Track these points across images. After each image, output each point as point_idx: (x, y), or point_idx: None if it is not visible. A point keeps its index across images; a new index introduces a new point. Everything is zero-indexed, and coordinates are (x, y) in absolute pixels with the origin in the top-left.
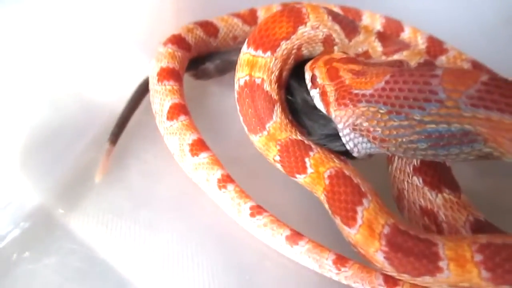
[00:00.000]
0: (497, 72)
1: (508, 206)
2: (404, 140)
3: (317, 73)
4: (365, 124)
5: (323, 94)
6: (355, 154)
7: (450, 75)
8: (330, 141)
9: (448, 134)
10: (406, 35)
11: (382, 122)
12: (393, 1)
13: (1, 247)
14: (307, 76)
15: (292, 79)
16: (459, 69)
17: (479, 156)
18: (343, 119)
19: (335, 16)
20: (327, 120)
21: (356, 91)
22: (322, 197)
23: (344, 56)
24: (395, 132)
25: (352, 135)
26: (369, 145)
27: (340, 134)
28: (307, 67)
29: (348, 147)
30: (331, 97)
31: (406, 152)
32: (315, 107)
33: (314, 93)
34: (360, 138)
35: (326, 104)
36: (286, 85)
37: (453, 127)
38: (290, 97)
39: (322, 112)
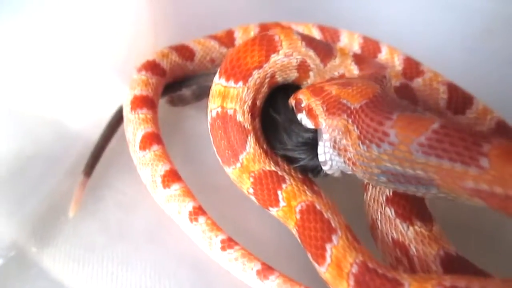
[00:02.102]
0: (477, 84)
1: (486, 229)
2: (367, 169)
3: (301, 96)
4: (343, 142)
5: (310, 112)
6: (326, 167)
7: (403, 120)
8: (304, 152)
9: (403, 175)
10: (383, 55)
11: (355, 145)
12: (371, 17)
13: None
14: (292, 106)
15: (279, 98)
16: (413, 115)
17: (436, 196)
18: (330, 129)
19: (309, 42)
20: (304, 131)
21: (344, 101)
22: (294, 231)
23: (325, 80)
24: (361, 159)
25: (331, 151)
26: (343, 165)
27: (320, 144)
28: (290, 99)
29: (321, 159)
30: (318, 110)
31: (371, 180)
32: (296, 122)
33: (301, 116)
34: (337, 157)
35: (314, 117)
36: (270, 109)
37: (406, 170)
38: (274, 115)
39: (302, 125)
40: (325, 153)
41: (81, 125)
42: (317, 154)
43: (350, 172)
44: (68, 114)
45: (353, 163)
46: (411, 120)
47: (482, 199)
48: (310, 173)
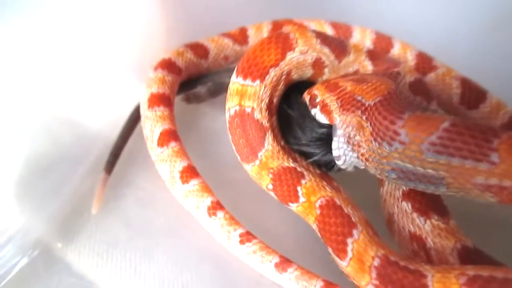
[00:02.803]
0: (485, 78)
1: (498, 222)
2: (379, 165)
3: (315, 92)
4: (357, 138)
5: (324, 107)
6: (339, 162)
7: (414, 120)
8: (318, 147)
9: (413, 172)
10: (396, 51)
11: (368, 142)
12: (383, 13)
13: (1, 286)
14: (306, 101)
15: (293, 93)
16: (423, 115)
17: (446, 193)
18: (345, 125)
19: (324, 39)
20: (318, 126)
21: (359, 98)
22: (314, 227)
23: (340, 76)
24: (373, 155)
25: (345, 146)
26: (356, 160)
27: (335, 139)
28: (305, 94)
29: (335, 154)
30: (333, 105)
31: (382, 176)
32: (310, 118)
33: (315, 111)
34: (350, 152)
35: (328, 113)
36: (284, 105)
37: (416, 168)
38: (289, 111)
39: (316, 121)
40: (339, 148)
41: (99, 125)
42: (331, 149)
43: (363, 167)
44: (87, 114)
45: (366, 159)
46: (421, 120)
47: (493, 194)
48: (324, 167)
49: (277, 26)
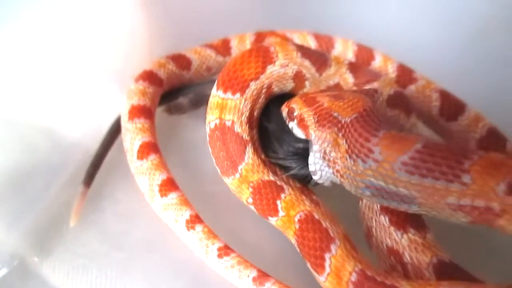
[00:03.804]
0: (470, 85)
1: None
2: (353, 182)
3: (294, 105)
4: (333, 154)
5: (301, 121)
6: (316, 177)
7: (388, 139)
8: (295, 161)
9: (386, 191)
10: (377, 63)
11: (343, 159)
12: (365, 24)
13: None
14: (284, 114)
15: (272, 105)
16: (398, 134)
17: (418, 212)
18: (320, 141)
19: (304, 52)
20: (296, 140)
21: (335, 114)
22: (293, 241)
23: (319, 90)
24: (348, 172)
25: (320, 161)
26: (332, 176)
27: (311, 154)
28: (283, 107)
29: (311, 169)
30: (309, 120)
31: (357, 193)
32: (287, 132)
33: (292, 125)
34: (326, 168)
35: (305, 128)
36: (261, 117)
37: (389, 186)
38: (266, 124)
39: (293, 135)
40: (315, 164)
41: (79, 134)
42: (307, 164)
43: (339, 183)
44: (66, 124)
45: (341, 175)
46: (395, 139)
47: (466, 214)
48: (301, 181)
49: (260, 37)
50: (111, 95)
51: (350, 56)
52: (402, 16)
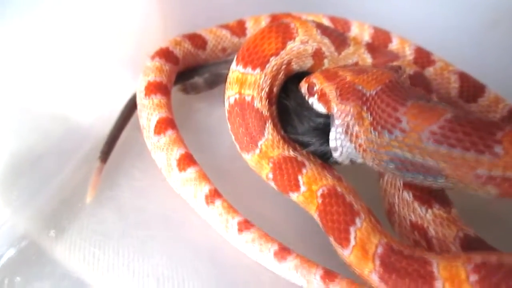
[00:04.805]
0: (484, 76)
1: (497, 217)
2: (377, 156)
3: (314, 80)
4: (356, 129)
5: (322, 96)
6: (336, 154)
7: (416, 108)
8: (315, 136)
9: (412, 162)
10: (394, 46)
11: (366, 132)
12: (380, 10)
13: None
14: (303, 90)
15: (290, 84)
16: (426, 104)
17: (443, 186)
18: (343, 114)
19: (324, 30)
20: (316, 115)
21: (359, 87)
22: (316, 216)
23: (339, 66)
24: (371, 146)
25: (342, 136)
26: (353, 151)
27: (332, 129)
28: (302, 82)
29: (332, 145)
30: (331, 95)
31: (380, 167)
32: (307, 108)
33: (312, 100)
34: (348, 143)
35: (326, 102)
36: (280, 94)
37: (416, 157)
38: (285, 101)
39: (313, 110)
40: (336, 139)
41: (92, 119)
42: (327, 140)
43: (359, 161)
44: (80, 109)
45: (364, 150)
46: (424, 109)
47: (496, 186)
48: (320, 158)
49: (275, 19)
50: (124, 80)
51: (367, 39)
52: (417, 5)
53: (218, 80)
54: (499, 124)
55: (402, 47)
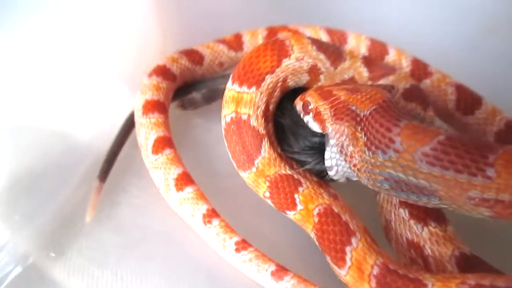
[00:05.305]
0: (480, 82)
1: (494, 232)
2: (371, 175)
3: (309, 99)
4: (350, 149)
5: (317, 115)
6: (331, 173)
7: (410, 129)
8: (311, 155)
9: (406, 183)
10: (390, 57)
11: (360, 152)
12: (377, 17)
13: None
14: (298, 107)
15: (286, 102)
16: (420, 125)
17: (437, 206)
18: (338, 134)
19: (319, 46)
20: (312, 134)
21: (353, 108)
22: (312, 235)
23: (334, 83)
24: (365, 166)
25: (337, 156)
26: (348, 171)
27: (327, 149)
28: (297, 100)
29: (327, 164)
30: (326, 114)
31: (374, 187)
32: (303, 126)
33: (307, 119)
34: (343, 162)
35: (321, 121)
36: (275, 112)
37: (409, 178)
38: (280, 119)
39: (309, 129)
40: (331, 159)
41: (91, 136)
42: (323, 159)
43: (355, 179)
44: (78, 126)
45: (358, 169)
46: (417, 129)
47: (489, 208)
48: (316, 177)
49: (272, 32)
50: (122, 96)
51: (363, 50)
52: (412, 13)
53: (215, 95)
54: (491, 146)
55: (399, 58)
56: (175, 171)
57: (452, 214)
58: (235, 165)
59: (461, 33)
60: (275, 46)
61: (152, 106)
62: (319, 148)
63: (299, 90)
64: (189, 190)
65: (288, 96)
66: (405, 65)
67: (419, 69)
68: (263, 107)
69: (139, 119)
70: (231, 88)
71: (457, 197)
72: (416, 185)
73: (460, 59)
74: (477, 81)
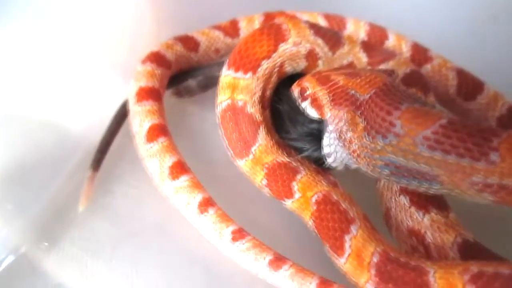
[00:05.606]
0: (483, 69)
1: (498, 218)
2: (371, 161)
3: (306, 84)
4: (349, 134)
5: (315, 101)
6: (330, 160)
7: (411, 112)
8: (309, 142)
9: (407, 168)
10: (390, 43)
11: (360, 137)
12: (377, 5)
13: None
14: (296, 93)
15: (282, 87)
16: (421, 108)
17: (439, 192)
18: (337, 120)
19: (317, 30)
20: (310, 121)
21: (352, 92)
22: (310, 223)
23: (332, 68)
24: (365, 151)
25: (336, 142)
26: (347, 157)
27: (326, 135)
28: (293, 86)
29: (326, 151)
30: (324, 100)
31: (374, 173)
32: (301, 113)
33: (305, 105)
34: (342, 149)
35: (319, 107)
36: (273, 98)
37: (410, 163)
38: (277, 105)
39: (307, 115)
40: (330, 145)
41: (84, 127)
42: (321, 146)
43: (354, 166)
44: (71, 114)
45: (358, 155)
46: (418, 113)
47: (492, 194)
48: (314, 164)
49: (269, 18)
50: (116, 84)
51: (362, 36)
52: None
53: (212, 83)
54: (495, 130)
55: (399, 44)
56: (170, 159)
57: (455, 200)
58: (231, 153)
59: (462, 18)
60: (272, 30)
61: (146, 94)
62: (317, 135)
63: (296, 76)
64: (184, 179)
65: (285, 82)
66: (405, 50)
67: (420, 54)
68: (259, 93)
69: (133, 107)
70: (227, 74)
71: (459, 182)
72: (417, 170)
73: (462, 45)
74: (477, 68)
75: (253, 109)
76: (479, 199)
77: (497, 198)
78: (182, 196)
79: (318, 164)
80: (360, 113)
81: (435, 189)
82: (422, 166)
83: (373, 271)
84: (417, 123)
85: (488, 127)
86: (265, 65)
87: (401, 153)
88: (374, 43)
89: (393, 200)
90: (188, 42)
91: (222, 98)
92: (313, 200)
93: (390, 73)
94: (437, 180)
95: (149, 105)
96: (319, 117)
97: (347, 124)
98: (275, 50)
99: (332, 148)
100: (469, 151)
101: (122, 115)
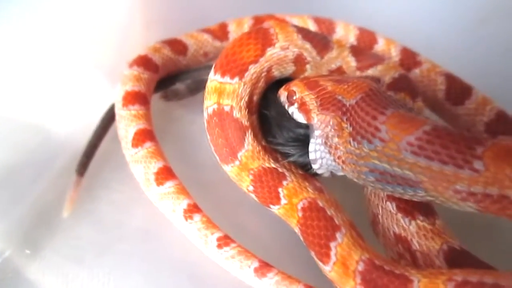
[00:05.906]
0: (473, 72)
1: (485, 225)
2: (356, 168)
3: (294, 88)
4: (335, 140)
5: (302, 105)
6: (315, 166)
7: (396, 117)
8: (295, 147)
9: (391, 174)
10: (380, 47)
11: (345, 143)
12: (366, 5)
13: None
14: (283, 98)
15: (269, 92)
16: (407, 114)
17: (424, 200)
18: (323, 125)
19: (305, 34)
20: (296, 126)
21: (339, 97)
22: (297, 230)
23: (320, 74)
24: (350, 157)
25: (322, 148)
26: (332, 164)
27: (312, 141)
28: (281, 90)
29: (312, 157)
30: (312, 104)
31: (359, 180)
32: (288, 118)
33: (292, 109)
34: (327, 155)
35: (306, 112)
36: (260, 103)
37: (394, 169)
38: (264, 110)
39: (294, 121)
40: (316, 151)
41: (70, 130)
42: (307, 151)
43: (340, 173)
44: (55, 117)
45: (343, 161)
46: (403, 118)
47: (476, 203)
48: (300, 169)
49: (258, 21)
50: (103, 88)
51: (352, 40)
52: (403, 2)
53: (200, 86)
54: (480, 139)
55: (388, 48)
56: (155, 165)
57: (443, 207)
58: (217, 158)
59: (452, 23)
60: (259, 34)
61: (133, 98)
62: (304, 140)
63: (284, 81)
64: (169, 185)
65: (273, 87)
66: (394, 54)
67: (409, 58)
68: (246, 98)
69: (119, 111)
70: (213, 79)
71: (443, 190)
72: (402, 176)
73: (452, 50)
74: (467, 73)
75: (240, 114)
76: (464, 208)
77: (480, 207)
78: (167, 202)
79: (305, 169)
80: (346, 119)
81: (420, 196)
82: (406, 172)
83: (358, 279)
84: (402, 128)
85: (473, 136)
86: (252, 69)
87: (386, 159)
88: (363, 47)
89: (380, 207)
90: (176, 45)
91: (209, 103)
92: (299, 207)
93: (376, 80)
94: (421, 186)
95: (135, 109)
96: (306, 121)
97: (333, 129)
98: (262, 55)
99: (318, 154)
100: (452, 159)
101: (109, 119)
